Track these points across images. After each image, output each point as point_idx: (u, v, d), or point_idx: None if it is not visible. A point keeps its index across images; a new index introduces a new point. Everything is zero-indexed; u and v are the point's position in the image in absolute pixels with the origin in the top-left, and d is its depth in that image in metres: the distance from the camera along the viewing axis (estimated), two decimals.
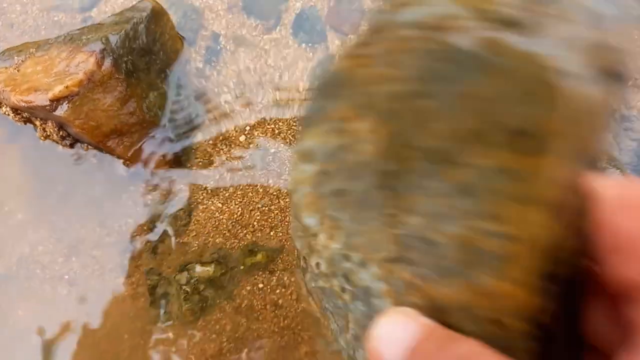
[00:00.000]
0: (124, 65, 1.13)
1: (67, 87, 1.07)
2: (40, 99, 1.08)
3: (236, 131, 1.33)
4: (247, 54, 1.36)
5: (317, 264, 0.35)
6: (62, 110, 1.09)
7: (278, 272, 1.25)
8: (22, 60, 1.19)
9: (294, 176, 0.35)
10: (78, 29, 1.20)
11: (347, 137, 0.31)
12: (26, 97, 1.09)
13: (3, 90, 1.13)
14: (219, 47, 1.35)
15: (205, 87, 1.34)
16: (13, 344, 1.24)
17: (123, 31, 1.14)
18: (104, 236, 1.27)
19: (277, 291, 1.23)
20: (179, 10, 1.36)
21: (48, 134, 1.20)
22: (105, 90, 1.12)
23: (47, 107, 1.08)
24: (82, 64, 1.09)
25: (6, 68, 1.19)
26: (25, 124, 1.22)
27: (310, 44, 1.37)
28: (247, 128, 1.33)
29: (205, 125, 1.32)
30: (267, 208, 1.29)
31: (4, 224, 1.28)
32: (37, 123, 1.19)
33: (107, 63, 1.10)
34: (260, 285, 1.24)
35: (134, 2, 1.38)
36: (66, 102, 1.08)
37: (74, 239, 1.28)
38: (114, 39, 1.12)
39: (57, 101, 1.08)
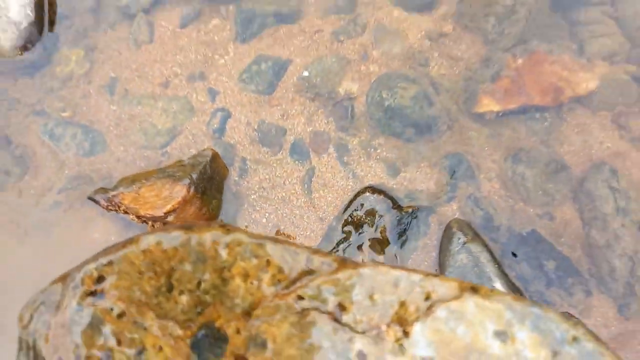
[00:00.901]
0: (200, 189, 2.05)
1: (172, 205, 1.98)
2: (158, 213, 1.98)
3: (260, 216, 2.25)
4: (263, 170, 2.30)
5: None
6: (169, 218, 1.99)
7: None
8: (138, 188, 2.08)
9: None
10: (170, 168, 2.12)
11: None
12: (149, 212, 1.99)
13: (133, 207, 2.03)
14: (246, 167, 2.29)
15: (240, 191, 2.26)
16: None
17: (199, 170, 2.06)
18: None
19: None
20: (221, 147, 2.29)
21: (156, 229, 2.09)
22: (191, 205, 2.03)
23: (161, 217, 1.99)
24: (179, 192, 2.00)
25: (129, 192, 2.09)
26: (142, 223, 2.11)
27: (300, 161, 2.31)
28: (267, 214, 2.25)
29: (242, 214, 2.24)
30: None
31: None
32: (150, 223, 2.09)
33: (192, 190, 2.01)
34: None
35: (192, 139, 2.30)
36: (172, 213, 1.99)
37: None
38: (195, 175, 2.04)
39: (167, 213, 1.98)
